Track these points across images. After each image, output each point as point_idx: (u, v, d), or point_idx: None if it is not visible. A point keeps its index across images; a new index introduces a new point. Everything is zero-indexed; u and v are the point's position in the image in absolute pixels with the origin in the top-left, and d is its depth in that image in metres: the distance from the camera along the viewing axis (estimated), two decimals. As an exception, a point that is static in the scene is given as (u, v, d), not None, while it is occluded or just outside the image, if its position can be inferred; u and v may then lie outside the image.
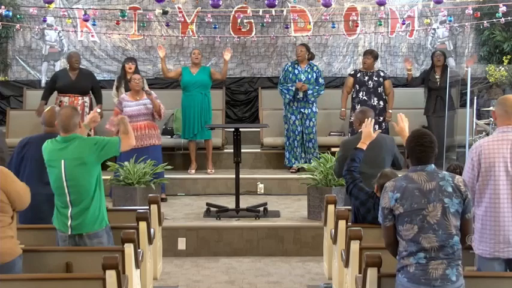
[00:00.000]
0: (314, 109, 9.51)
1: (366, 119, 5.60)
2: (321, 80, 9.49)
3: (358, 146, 5.49)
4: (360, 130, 6.10)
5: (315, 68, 9.54)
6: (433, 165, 3.79)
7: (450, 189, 3.69)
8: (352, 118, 9.30)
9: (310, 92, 9.35)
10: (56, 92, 9.51)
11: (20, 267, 4.25)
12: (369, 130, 5.50)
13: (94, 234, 4.82)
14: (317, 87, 9.41)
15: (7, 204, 4.18)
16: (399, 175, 5.13)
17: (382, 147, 6.06)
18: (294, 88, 9.32)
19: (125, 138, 4.97)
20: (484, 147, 4.29)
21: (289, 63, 9.64)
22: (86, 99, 9.41)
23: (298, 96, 9.38)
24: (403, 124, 5.46)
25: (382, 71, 9.54)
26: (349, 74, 9.66)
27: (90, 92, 9.51)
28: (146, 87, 8.66)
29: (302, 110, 9.45)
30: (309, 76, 9.40)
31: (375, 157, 5.90)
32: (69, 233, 4.80)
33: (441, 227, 3.66)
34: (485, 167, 4.24)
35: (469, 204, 3.76)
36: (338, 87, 10.97)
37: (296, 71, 9.42)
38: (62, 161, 4.78)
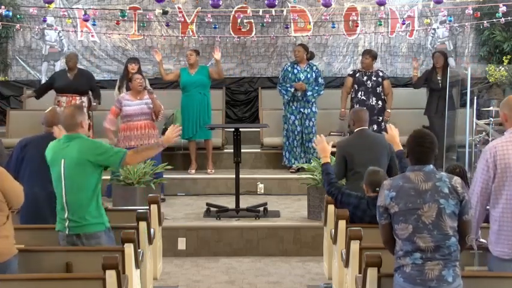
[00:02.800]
0: (314, 109, 9.50)
1: (315, 137, 5.68)
2: (320, 80, 9.48)
3: (323, 161, 5.58)
4: (355, 130, 6.16)
5: (314, 67, 9.54)
6: (431, 166, 3.78)
7: (446, 190, 3.68)
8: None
9: (309, 92, 9.35)
10: (54, 93, 9.52)
11: (15, 267, 4.23)
12: (322, 146, 5.56)
13: (91, 235, 4.75)
14: (316, 88, 9.41)
15: (3, 203, 4.16)
16: (381, 170, 5.24)
17: (379, 147, 6.09)
18: (292, 89, 9.33)
19: (133, 156, 4.83)
20: (499, 148, 4.24)
21: (289, 63, 9.64)
22: (84, 99, 9.42)
23: (297, 96, 9.39)
24: (393, 132, 5.52)
25: (381, 71, 9.53)
26: (348, 74, 9.67)
27: (90, 92, 9.53)
28: (148, 87, 8.65)
29: (302, 110, 9.45)
30: (308, 76, 9.40)
31: (374, 158, 5.92)
32: (67, 232, 4.76)
33: (436, 228, 3.65)
34: (501, 168, 4.19)
35: (467, 206, 3.74)
36: (338, 87, 10.97)
37: (295, 71, 9.43)
38: (62, 160, 4.74)
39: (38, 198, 5.20)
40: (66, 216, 4.74)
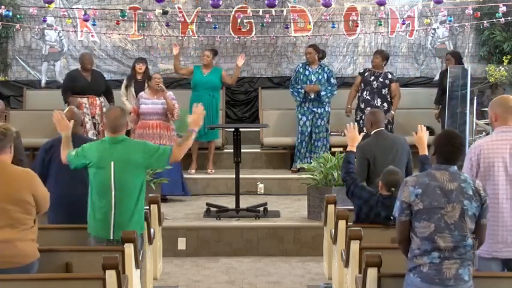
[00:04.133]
0: (327, 109, 9.51)
1: (349, 124, 5.63)
2: (332, 80, 9.50)
3: (348, 149, 5.56)
4: (373, 131, 6.13)
5: (325, 68, 9.56)
6: (455, 167, 3.78)
7: (471, 192, 3.69)
8: (356, 117, 9.33)
9: (323, 93, 9.36)
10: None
11: (36, 269, 4.27)
12: (352, 135, 5.54)
13: None
14: (329, 88, 9.42)
15: (33, 207, 4.22)
16: (400, 172, 5.23)
17: (398, 148, 6.09)
18: (303, 91, 9.33)
19: (177, 150, 4.81)
20: (484, 147, 4.29)
21: (301, 64, 9.62)
22: (102, 99, 9.49)
23: (310, 97, 9.37)
24: (422, 134, 5.45)
25: (391, 74, 9.46)
26: (359, 73, 9.67)
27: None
28: (160, 84, 8.64)
29: (315, 109, 9.44)
30: (320, 77, 9.40)
31: (393, 158, 5.91)
32: (111, 237, 4.75)
33: (457, 228, 3.66)
34: (484, 167, 4.25)
35: (486, 210, 3.76)
36: (338, 87, 10.96)
37: (307, 72, 9.41)
38: (112, 163, 4.72)
39: (69, 198, 5.19)
40: (112, 221, 4.73)
